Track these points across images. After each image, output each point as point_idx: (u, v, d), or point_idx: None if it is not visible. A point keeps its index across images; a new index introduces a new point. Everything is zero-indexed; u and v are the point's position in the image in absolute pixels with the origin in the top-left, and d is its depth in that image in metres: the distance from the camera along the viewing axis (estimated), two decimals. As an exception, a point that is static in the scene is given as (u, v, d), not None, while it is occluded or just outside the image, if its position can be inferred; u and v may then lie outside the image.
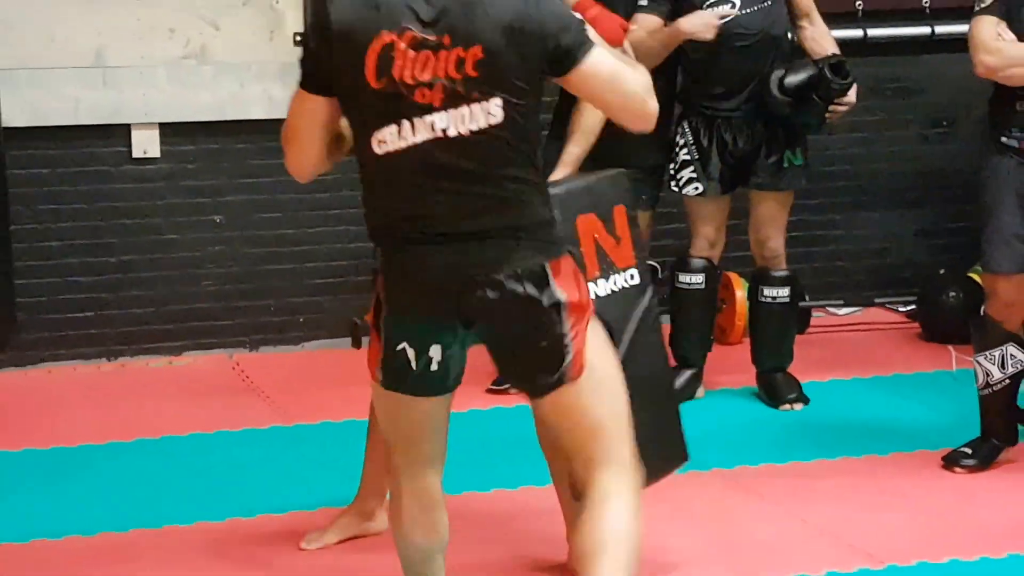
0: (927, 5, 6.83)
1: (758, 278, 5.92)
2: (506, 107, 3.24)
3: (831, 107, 5.61)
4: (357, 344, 6.29)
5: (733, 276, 6.57)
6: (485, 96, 3.22)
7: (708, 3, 5.56)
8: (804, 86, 5.53)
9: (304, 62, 3.35)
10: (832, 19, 6.72)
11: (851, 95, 5.63)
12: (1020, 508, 4.80)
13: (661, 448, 4.19)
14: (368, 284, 4.26)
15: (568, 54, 3.26)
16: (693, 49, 5.62)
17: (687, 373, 5.85)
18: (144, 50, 6.13)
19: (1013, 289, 5.02)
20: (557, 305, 3.32)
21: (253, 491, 4.94)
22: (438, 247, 3.29)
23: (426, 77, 3.21)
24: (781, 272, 5.88)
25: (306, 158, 3.42)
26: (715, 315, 6.09)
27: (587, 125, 4.58)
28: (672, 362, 5.15)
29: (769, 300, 5.88)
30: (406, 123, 3.23)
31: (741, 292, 6.49)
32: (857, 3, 6.79)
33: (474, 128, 3.23)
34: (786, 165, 5.75)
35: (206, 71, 6.21)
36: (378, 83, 3.22)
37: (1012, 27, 4.86)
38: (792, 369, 5.93)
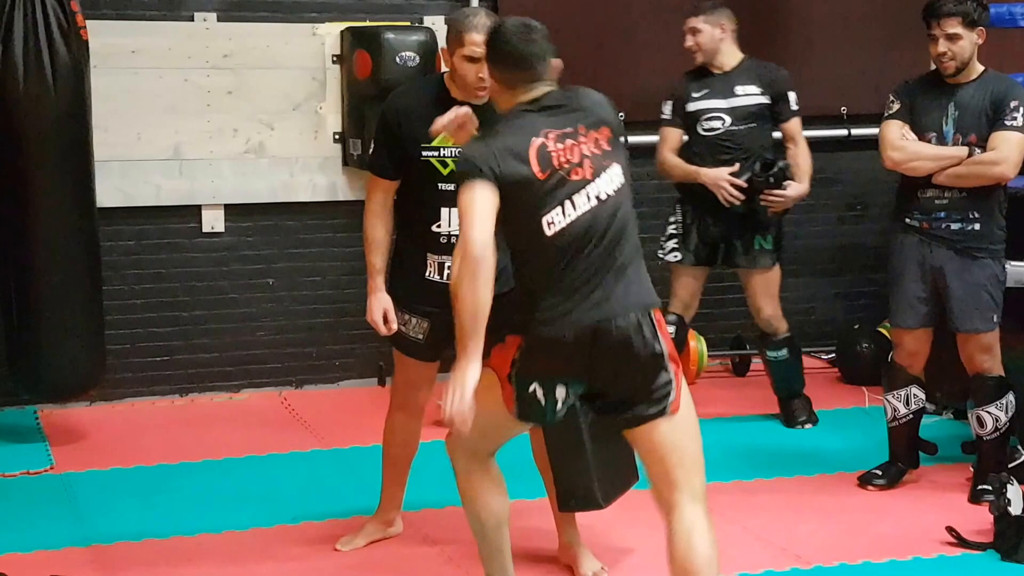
0: (844, 112, 6.86)
1: (761, 343, 5.92)
2: (623, 169, 3.45)
3: (763, 197, 5.61)
4: (382, 383, 6.31)
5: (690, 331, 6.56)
6: (612, 162, 3.42)
7: (704, 116, 5.66)
8: (749, 180, 5.56)
9: (473, 169, 3.32)
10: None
11: (789, 190, 5.62)
12: (921, 520, 4.77)
13: (620, 472, 4.17)
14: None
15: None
16: (691, 155, 5.70)
17: None
18: (213, 146, 6.14)
19: (915, 341, 5.02)
20: (663, 354, 3.39)
21: (297, 503, 4.91)
22: (579, 311, 3.34)
23: (576, 158, 3.37)
24: (779, 338, 5.87)
25: (482, 230, 3.30)
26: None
27: None
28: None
29: (773, 359, 5.90)
30: (568, 203, 3.35)
31: (694, 343, 6.49)
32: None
33: (613, 189, 3.40)
34: (757, 248, 5.76)
35: (263, 163, 6.22)
36: (543, 175, 3.33)
37: (914, 129, 4.88)
38: (731, 406, 5.92)
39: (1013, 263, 5.17)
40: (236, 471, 5.31)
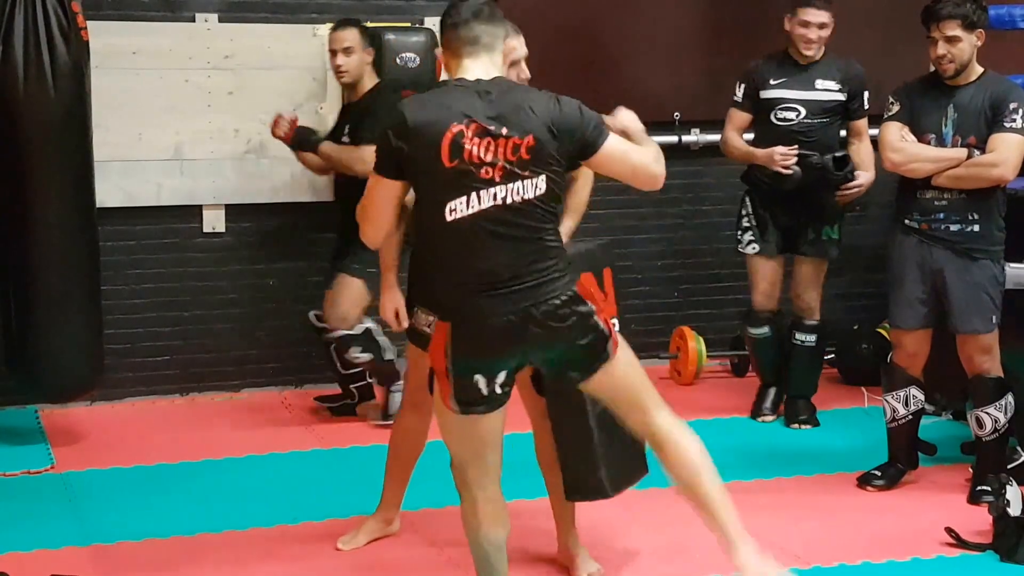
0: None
1: (792, 325, 5.97)
2: (548, 182, 3.44)
3: (840, 193, 5.72)
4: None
5: (687, 329, 6.57)
6: (534, 174, 3.41)
7: (779, 105, 5.72)
8: (823, 173, 5.66)
9: (381, 153, 3.45)
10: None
11: (861, 178, 5.72)
12: (921, 520, 4.77)
13: (628, 463, 4.17)
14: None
15: (591, 144, 3.50)
16: (760, 144, 5.79)
17: (772, 391, 5.99)
18: (214, 146, 6.15)
19: (915, 342, 5.02)
20: (592, 312, 3.52)
21: (298, 502, 4.92)
22: (504, 295, 3.41)
23: (489, 158, 3.37)
24: (811, 321, 5.93)
25: (380, 228, 3.56)
26: (778, 354, 6.01)
27: (578, 203, 4.59)
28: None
29: (799, 343, 5.93)
30: (473, 195, 3.37)
31: (693, 343, 6.49)
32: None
33: (526, 197, 3.41)
34: (825, 238, 5.85)
35: (263, 163, 6.23)
36: (451, 163, 3.35)
37: (913, 131, 4.89)
38: (730, 406, 5.93)
39: (1013, 265, 5.17)
40: (236, 471, 5.31)
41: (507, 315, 3.41)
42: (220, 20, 6.11)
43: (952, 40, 4.77)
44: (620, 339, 3.63)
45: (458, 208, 3.38)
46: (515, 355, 3.49)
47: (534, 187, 3.42)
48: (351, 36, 5.61)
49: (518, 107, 3.41)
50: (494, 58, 3.51)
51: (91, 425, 5.81)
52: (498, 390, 3.48)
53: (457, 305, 3.44)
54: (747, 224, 5.90)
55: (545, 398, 4.05)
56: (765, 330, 5.94)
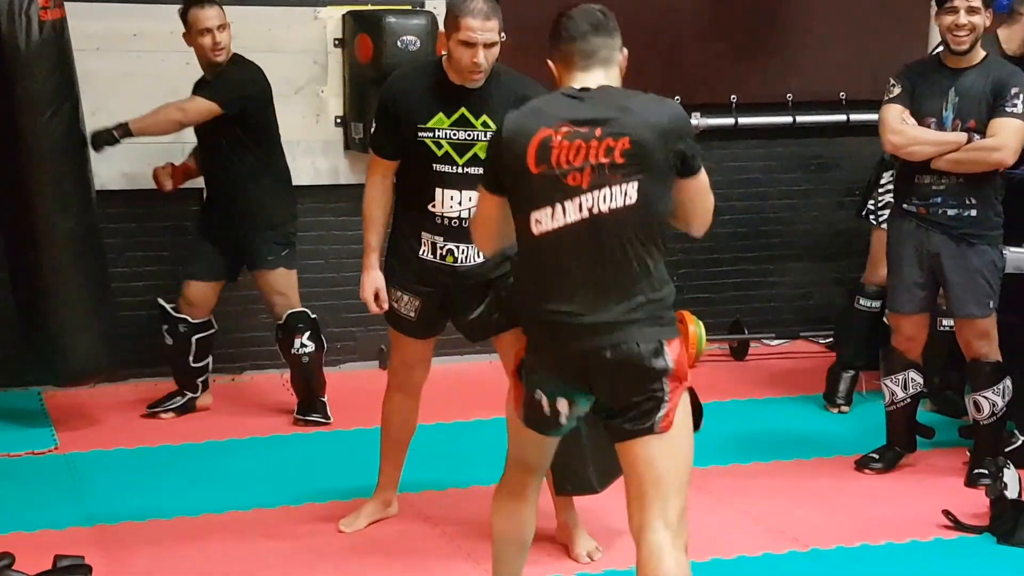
0: (843, 98, 6.87)
1: (859, 290, 5.93)
2: (641, 191, 3.15)
3: None
4: (383, 366, 6.32)
5: (686, 313, 6.56)
6: (625, 180, 3.15)
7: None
8: None
9: (486, 169, 3.35)
10: (767, 107, 6.82)
11: None
12: (918, 503, 4.80)
13: (616, 459, 4.18)
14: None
15: (692, 161, 3.22)
16: None
17: (847, 377, 5.90)
18: (215, 129, 6.15)
19: (913, 326, 5.04)
20: (665, 371, 3.25)
21: (300, 483, 4.94)
22: (575, 332, 3.20)
23: (578, 162, 3.16)
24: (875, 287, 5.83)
25: (490, 238, 3.41)
26: (877, 332, 5.83)
27: None
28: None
29: (866, 308, 5.88)
30: (559, 206, 3.17)
31: (693, 327, 6.48)
32: (788, 95, 6.82)
33: (614, 207, 3.15)
34: None
35: (264, 146, 6.22)
36: (537, 169, 3.19)
37: (914, 114, 4.89)
38: (729, 390, 5.92)
39: (1013, 249, 5.18)
40: (239, 452, 5.33)
41: (574, 355, 3.21)
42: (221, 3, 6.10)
43: (973, 11, 4.71)
44: (682, 419, 3.26)
45: (543, 220, 3.17)
46: (579, 387, 3.27)
47: (623, 195, 3.13)
48: (221, 13, 5.52)
49: (617, 107, 3.17)
50: (609, 72, 3.28)
51: (94, 406, 5.82)
52: (562, 418, 3.30)
53: (533, 317, 3.29)
54: (891, 200, 5.52)
55: None
56: (877, 304, 5.81)
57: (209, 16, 5.46)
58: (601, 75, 3.26)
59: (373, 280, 4.27)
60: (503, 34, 4.12)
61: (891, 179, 5.66)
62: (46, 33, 5.21)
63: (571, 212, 3.17)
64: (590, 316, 3.19)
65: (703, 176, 3.28)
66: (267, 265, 5.60)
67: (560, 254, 3.20)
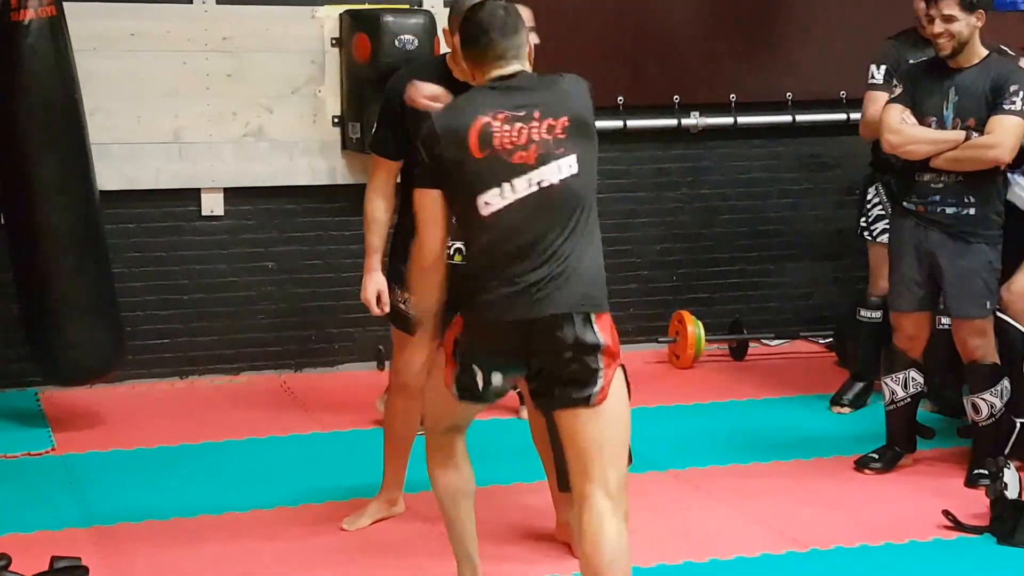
0: (843, 96, 6.86)
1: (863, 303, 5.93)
2: (581, 162, 3.38)
3: None
4: (381, 367, 6.33)
5: (685, 313, 6.58)
6: (567, 152, 3.36)
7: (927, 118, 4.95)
8: None
9: (422, 170, 3.44)
10: (767, 107, 6.82)
11: None
12: (918, 503, 4.79)
13: None
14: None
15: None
16: None
17: (858, 385, 5.89)
18: (213, 130, 6.15)
19: (914, 325, 5.04)
20: (598, 346, 3.37)
21: (297, 484, 4.94)
22: (513, 297, 3.36)
23: (522, 141, 3.34)
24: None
25: (441, 236, 3.46)
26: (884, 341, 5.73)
27: None
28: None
29: (867, 319, 5.88)
30: (507, 184, 3.34)
31: (692, 327, 6.50)
32: (788, 94, 6.82)
33: (562, 178, 3.35)
34: None
35: (262, 146, 6.23)
36: (481, 153, 3.33)
37: (915, 113, 4.89)
38: (729, 391, 5.91)
39: None
40: (236, 453, 5.33)
41: (515, 321, 3.37)
42: (218, 2, 6.11)
43: (948, 19, 4.76)
44: (617, 391, 3.41)
45: (492, 200, 3.34)
46: (512, 361, 3.46)
47: (568, 166, 3.35)
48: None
49: (546, 91, 3.41)
50: (522, 62, 3.50)
51: (92, 407, 5.82)
52: (495, 389, 3.51)
53: (475, 298, 3.41)
54: (880, 212, 5.72)
55: None
56: (878, 315, 5.79)
57: None
58: (516, 66, 3.47)
59: (375, 282, 4.28)
60: None
61: (876, 194, 5.74)
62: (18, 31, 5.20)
63: (520, 188, 3.34)
64: (538, 287, 3.34)
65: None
66: None
67: (510, 230, 3.35)
